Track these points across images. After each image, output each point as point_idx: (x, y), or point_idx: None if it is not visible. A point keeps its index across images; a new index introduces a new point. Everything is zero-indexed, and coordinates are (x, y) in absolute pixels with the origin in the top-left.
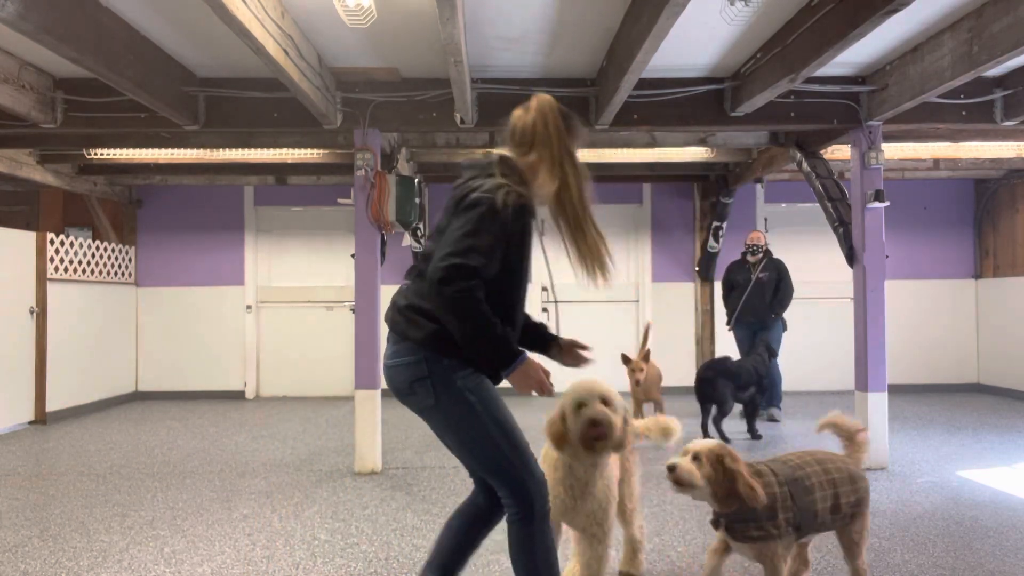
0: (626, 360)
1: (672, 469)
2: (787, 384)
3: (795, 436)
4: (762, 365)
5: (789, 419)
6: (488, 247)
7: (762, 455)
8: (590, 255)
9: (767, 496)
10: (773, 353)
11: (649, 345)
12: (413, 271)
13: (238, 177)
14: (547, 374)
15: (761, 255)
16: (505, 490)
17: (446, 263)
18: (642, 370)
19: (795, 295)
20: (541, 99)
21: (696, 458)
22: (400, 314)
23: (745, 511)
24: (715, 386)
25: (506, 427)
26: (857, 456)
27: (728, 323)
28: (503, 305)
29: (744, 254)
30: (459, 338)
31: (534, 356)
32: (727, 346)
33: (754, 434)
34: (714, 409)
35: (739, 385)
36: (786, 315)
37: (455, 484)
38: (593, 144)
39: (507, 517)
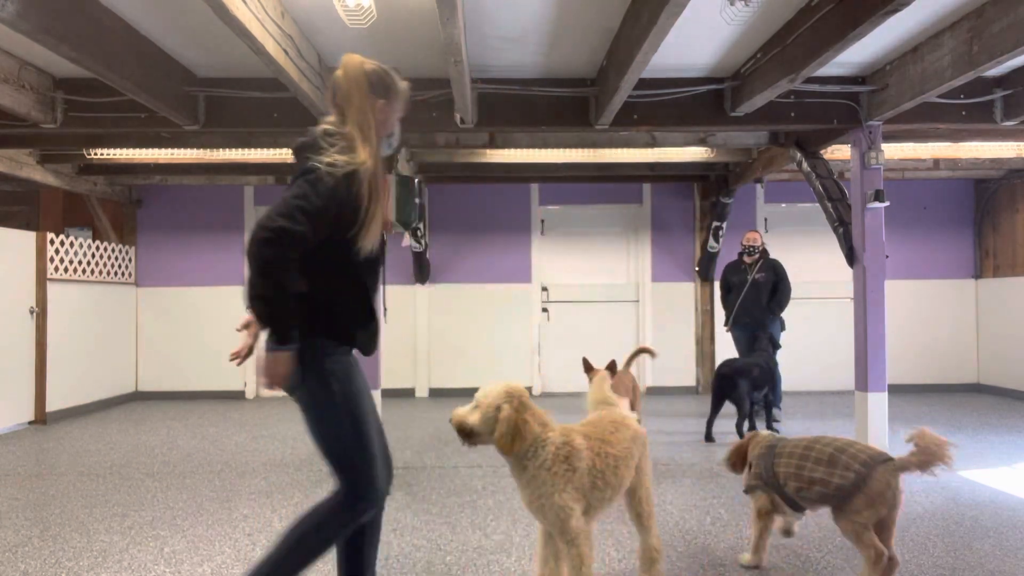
0: (587, 368)
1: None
2: (787, 384)
3: (795, 434)
4: (771, 360)
5: (789, 419)
6: (315, 212)
7: None
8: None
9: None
10: (776, 345)
11: (645, 357)
12: None
13: (238, 177)
14: (286, 379)
15: (757, 255)
16: (340, 479)
17: (274, 224)
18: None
19: (795, 295)
20: (347, 61)
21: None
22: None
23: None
24: (735, 384)
25: (359, 422)
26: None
27: (726, 324)
28: (347, 280)
29: (740, 254)
30: (251, 294)
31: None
32: (727, 346)
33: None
34: (724, 408)
35: (755, 384)
36: (785, 315)
37: (455, 484)
38: (593, 144)
39: (331, 498)
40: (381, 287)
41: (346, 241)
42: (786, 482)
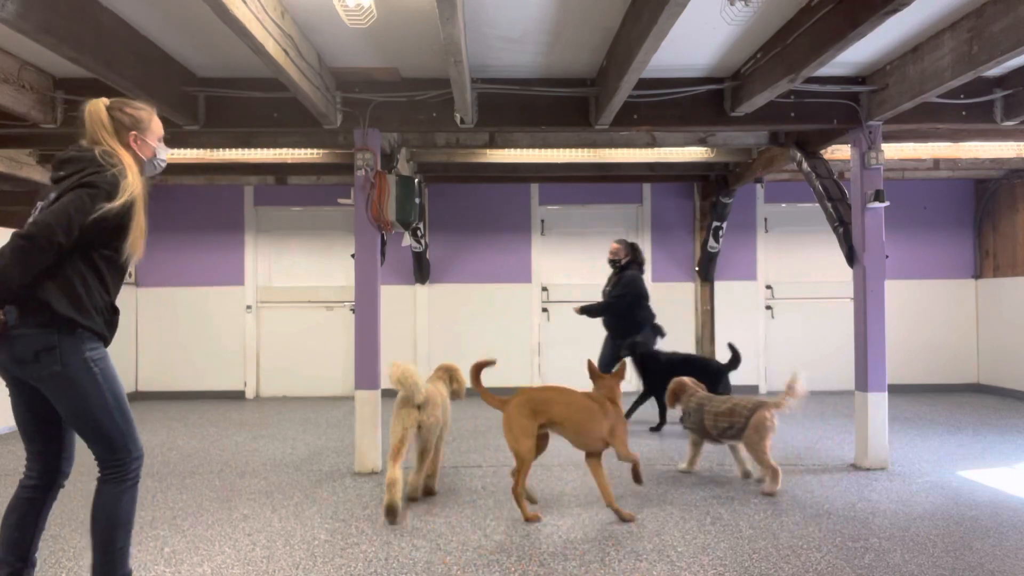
0: (594, 375)
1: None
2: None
3: (795, 435)
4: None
5: (789, 419)
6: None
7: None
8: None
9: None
10: (635, 353)
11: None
12: None
13: (238, 177)
14: None
15: (617, 268)
16: (108, 454)
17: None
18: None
19: (795, 295)
20: (89, 107)
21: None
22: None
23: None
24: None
25: (121, 400)
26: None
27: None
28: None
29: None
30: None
31: None
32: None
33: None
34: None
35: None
36: (785, 314)
37: (455, 484)
38: (593, 144)
39: (100, 477)
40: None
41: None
42: (710, 427)
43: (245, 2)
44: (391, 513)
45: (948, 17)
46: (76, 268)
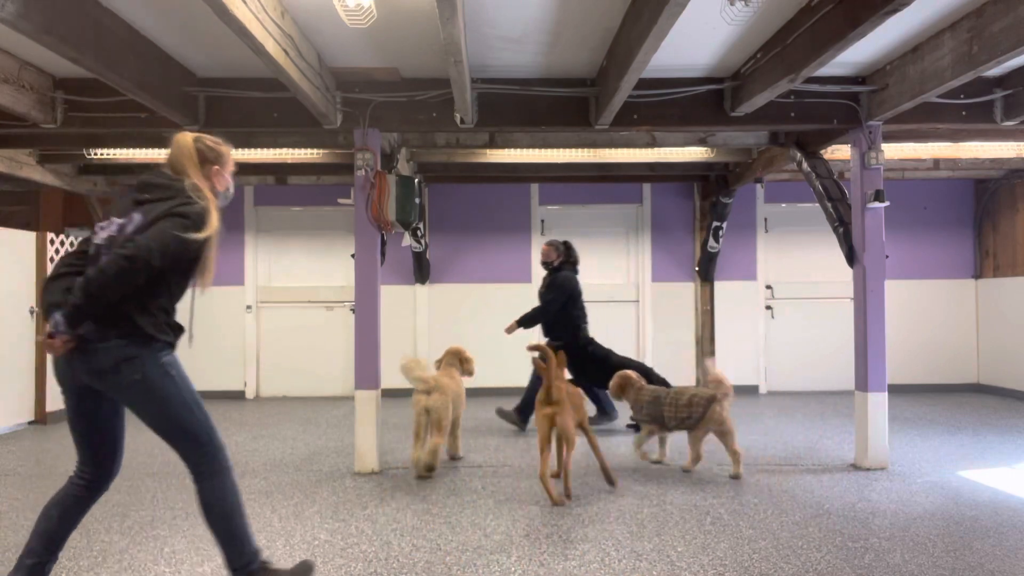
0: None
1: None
2: (788, 384)
3: (795, 435)
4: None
5: (789, 419)
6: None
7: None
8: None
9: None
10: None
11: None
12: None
13: (238, 177)
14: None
15: (550, 270)
16: (196, 449)
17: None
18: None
19: (795, 295)
20: (178, 139)
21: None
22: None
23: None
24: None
25: (198, 398)
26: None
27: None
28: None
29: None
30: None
31: None
32: (727, 346)
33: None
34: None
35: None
36: (785, 313)
37: (455, 484)
38: (593, 144)
39: (195, 477)
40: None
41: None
42: (670, 418)
43: (245, 2)
44: (428, 469)
45: (948, 17)
46: (153, 287)
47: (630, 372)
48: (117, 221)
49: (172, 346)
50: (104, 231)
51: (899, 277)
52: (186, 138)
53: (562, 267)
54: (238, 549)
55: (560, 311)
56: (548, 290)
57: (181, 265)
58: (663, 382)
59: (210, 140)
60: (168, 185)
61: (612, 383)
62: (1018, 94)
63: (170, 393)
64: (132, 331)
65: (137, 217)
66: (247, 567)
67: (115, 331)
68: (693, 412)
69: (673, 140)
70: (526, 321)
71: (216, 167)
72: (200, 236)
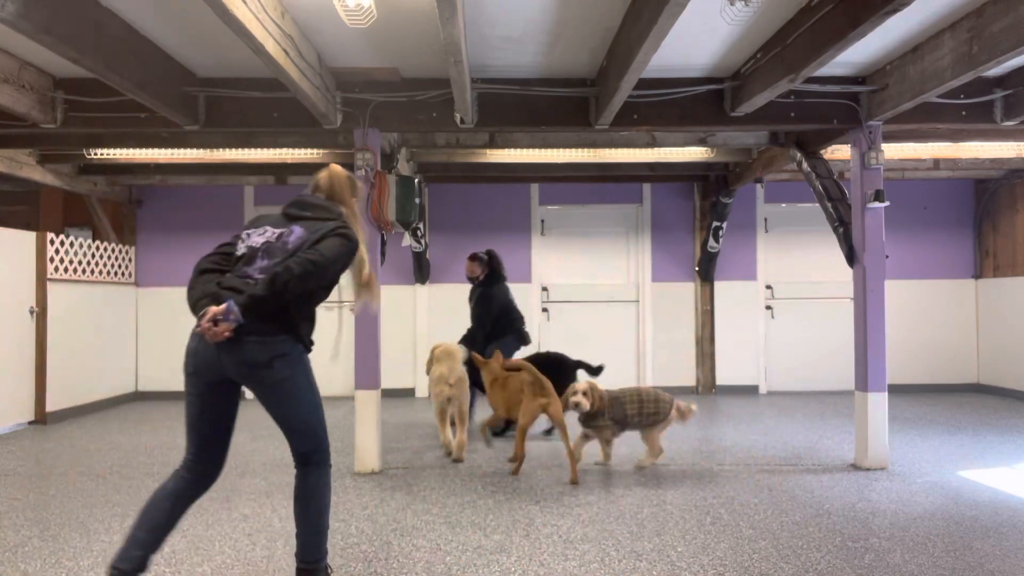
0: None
1: (577, 406)
2: (788, 384)
3: (795, 435)
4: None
5: (789, 419)
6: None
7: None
8: (371, 284)
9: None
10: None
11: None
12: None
13: (238, 177)
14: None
15: (477, 284)
16: (308, 444)
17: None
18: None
19: (795, 295)
20: (335, 169)
21: (584, 394)
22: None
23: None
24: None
25: (320, 399)
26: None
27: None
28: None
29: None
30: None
31: None
32: (727, 346)
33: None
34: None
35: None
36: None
37: (455, 484)
38: (593, 144)
39: (308, 467)
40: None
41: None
42: (631, 417)
43: (245, 2)
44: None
45: (948, 17)
46: (312, 295)
47: (588, 383)
48: (273, 230)
49: (310, 351)
50: (259, 236)
51: (899, 277)
52: (342, 170)
53: (488, 280)
54: (320, 543)
55: (498, 322)
56: (478, 305)
57: (331, 281)
58: (580, 365)
59: (352, 175)
60: (327, 208)
61: (566, 397)
62: (1018, 94)
63: (306, 392)
64: (290, 331)
65: (298, 231)
66: (319, 562)
67: (276, 328)
68: (661, 408)
69: (673, 140)
70: (466, 342)
71: (356, 199)
72: (353, 258)
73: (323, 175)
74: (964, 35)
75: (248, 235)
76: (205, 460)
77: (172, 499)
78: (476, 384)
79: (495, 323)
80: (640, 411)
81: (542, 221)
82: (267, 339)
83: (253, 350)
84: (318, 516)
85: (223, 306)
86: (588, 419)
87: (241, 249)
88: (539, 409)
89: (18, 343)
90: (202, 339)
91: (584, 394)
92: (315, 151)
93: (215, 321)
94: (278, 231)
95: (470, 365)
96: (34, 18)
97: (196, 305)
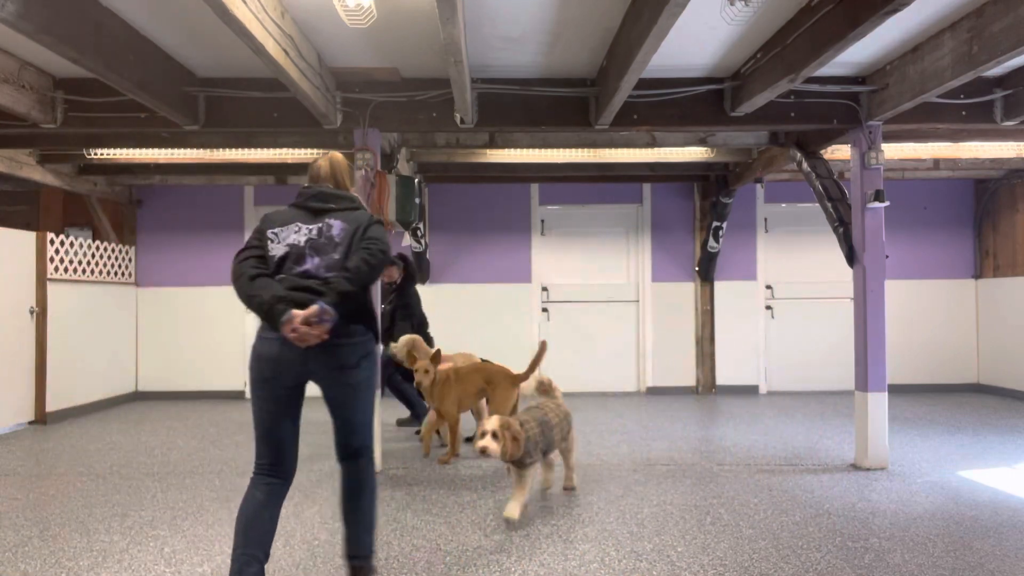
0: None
1: (483, 451)
2: (787, 384)
3: (795, 435)
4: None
5: (789, 419)
6: None
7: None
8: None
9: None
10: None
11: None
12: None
13: (238, 177)
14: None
15: (392, 289)
16: (368, 437)
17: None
18: (427, 372)
19: (795, 295)
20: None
21: (494, 435)
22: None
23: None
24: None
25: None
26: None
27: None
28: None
29: None
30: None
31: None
32: (727, 346)
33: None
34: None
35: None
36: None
37: (455, 484)
38: (593, 144)
39: (362, 460)
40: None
41: None
42: (559, 439)
43: (245, 2)
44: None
45: (948, 17)
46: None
47: (486, 424)
48: (306, 225)
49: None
50: (297, 235)
51: (899, 277)
52: (340, 156)
53: (405, 282)
54: (373, 535)
55: (408, 323)
56: (403, 307)
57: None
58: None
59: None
60: (350, 197)
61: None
62: (1018, 94)
63: (374, 388)
64: (371, 327)
65: (337, 223)
66: (369, 556)
67: (359, 326)
68: (565, 422)
69: (673, 140)
70: (384, 344)
71: (353, 185)
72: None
73: (323, 163)
74: (964, 35)
75: (277, 235)
76: (285, 461)
77: (268, 508)
78: (404, 375)
79: (407, 321)
80: (561, 432)
81: (542, 221)
82: (356, 339)
83: (345, 352)
84: (372, 508)
85: (315, 308)
86: (516, 462)
87: (279, 250)
88: (515, 395)
89: (18, 343)
90: (284, 344)
91: (494, 436)
92: (315, 151)
93: (307, 323)
94: (314, 226)
95: (400, 365)
96: (34, 18)
97: (272, 311)
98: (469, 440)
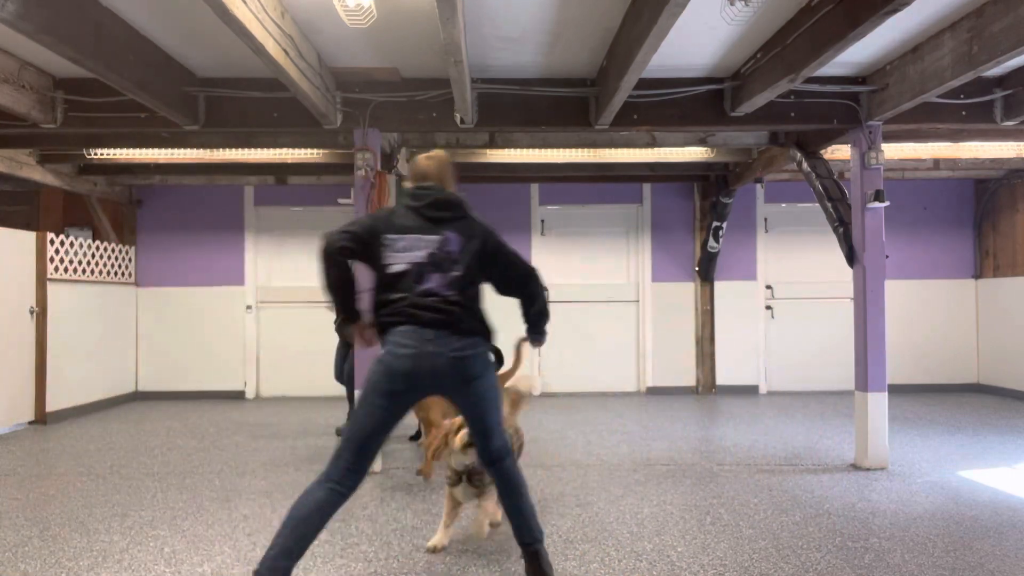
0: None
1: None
2: (787, 384)
3: (795, 435)
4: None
5: (789, 419)
6: None
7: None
8: None
9: None
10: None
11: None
12: (450, 279)
13: (238, 177)
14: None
15: None
16: (503, 437)
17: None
18: None
19: (795, 295)
20: (440, 154)
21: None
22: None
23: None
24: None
25: None
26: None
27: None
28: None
29: None
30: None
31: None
32: (727, 346)
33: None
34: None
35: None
36: (784, 314)
37: None
38: (593, 144)
39: (505, 460)
40: None
41: None
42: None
43: (245, 2)
44: None
45: (948, 17)
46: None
47: (452, 425)
48: (424, 237)
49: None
50: (416, 251)
51: (899, 277)
52: (445, 155)
53: None
54: (537, 520)
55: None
56: None
57: None
58: None
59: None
60: (459, 201)
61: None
62: (1018, 94)
63: (499, 393)
64: (490, 335)
65: (453, 237)
66: (540, 539)
67: (483, 336)
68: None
69: (673, 140)
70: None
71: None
72: None
73: (429, 163)
74: (964, 35)
75: (394, 243)
76: (360, 470)
77: (322, 512)
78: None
79: None
80: (518, 442)
81: (542, 221)
82: (479, 350)
83: (475, 364)
84: (528, 499)
85: (539, 340)
86: (473, 475)
87: (399, 266)
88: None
89: (18, 343)
90: (417, 359)
91: (469, 446)
92: (315, 151)
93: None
94: (434, 239)
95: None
96: (34, 18)
97: (340, 329)
98: (413, 438)
